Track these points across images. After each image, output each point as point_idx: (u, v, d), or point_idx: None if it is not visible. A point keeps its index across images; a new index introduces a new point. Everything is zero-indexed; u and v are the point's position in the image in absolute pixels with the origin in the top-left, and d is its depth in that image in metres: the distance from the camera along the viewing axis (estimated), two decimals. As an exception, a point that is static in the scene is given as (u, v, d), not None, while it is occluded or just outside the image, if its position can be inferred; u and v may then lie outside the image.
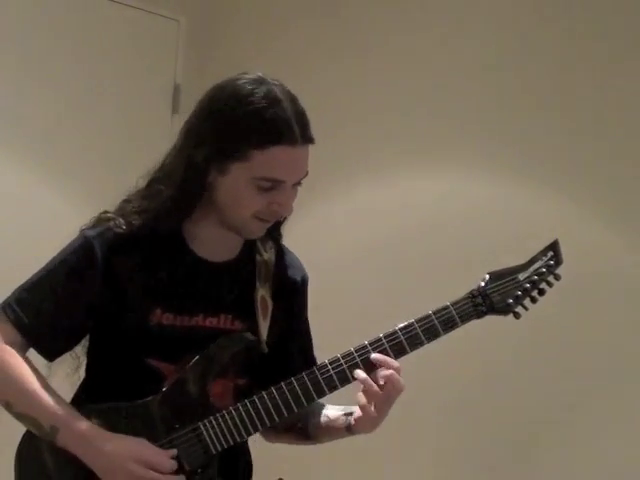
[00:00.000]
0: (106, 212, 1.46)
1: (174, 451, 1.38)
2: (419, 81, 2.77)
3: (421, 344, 1.42)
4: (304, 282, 1.60)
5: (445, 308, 1.43)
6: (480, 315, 1.44)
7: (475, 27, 2.67)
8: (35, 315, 1.41)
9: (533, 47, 2.55)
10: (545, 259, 1.47)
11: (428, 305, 2.70)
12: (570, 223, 2.45)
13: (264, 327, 1.49)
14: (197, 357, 1.41)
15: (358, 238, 2.85)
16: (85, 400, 1.47)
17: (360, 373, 1.38)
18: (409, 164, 2.80)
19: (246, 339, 1.45)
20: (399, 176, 2.81)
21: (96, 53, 2.93)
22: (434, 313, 1.42)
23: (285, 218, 1.50)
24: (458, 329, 1.44)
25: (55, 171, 2.80)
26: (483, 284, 1.45)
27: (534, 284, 1.45)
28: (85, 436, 1.36)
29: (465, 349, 2.61)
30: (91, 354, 1.50)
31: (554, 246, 1.49)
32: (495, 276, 1.46)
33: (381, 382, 1.37)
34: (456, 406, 2.64)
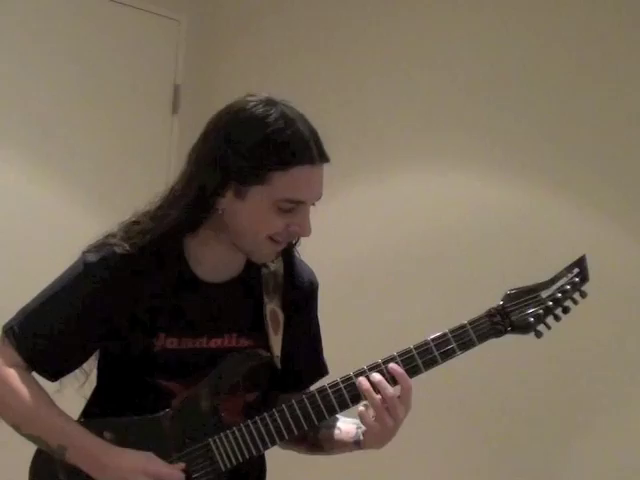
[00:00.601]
0: (110, 235, 1.44)
1: (182, 465, 1.37)
2: (422, 83, 2.77)
3: (436, 364, 1.37)
4: (314, 288, 1.58)
5: (462, 327, 1.38)
6: (498, 334, 1.38)
7: (477, 27, 2.67)
8: (37, 341, 1.41)
9: (538, 51, 2.55)
10: (570, 276, 1.41)
11: (431, 309, 2.71)
12: (576, 226, 2.45)
13: (276, 342, 1.47)
14: (209, 374, 1.41)
15: (360, 242, 2.85)
16: (96, 414, 1.47)
17: (363, 382, 1.35)
18: (412, 167, 2.80)
19: (259, 356, 1.43)
20: (403, 179, 2.81)
21: (96, 53, 2.92)
22: (451, 332, 1.37)
23: (299, 239, 1.49)
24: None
25: (55, 171, 2.80)
26: (502, 302, 1.39)
27: (557, 302, 1.39)
28: (92, 453, 1.37)
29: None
30: (101, 370, 1.50)
31: (580, 262, 1.42)
32: (515, 294, 1.40)
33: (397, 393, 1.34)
34: (456, 406, 2.64)
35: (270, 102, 1.38)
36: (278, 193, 1.33)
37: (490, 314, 1.38)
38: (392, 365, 1.35)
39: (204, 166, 1.37)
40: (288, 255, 1.54)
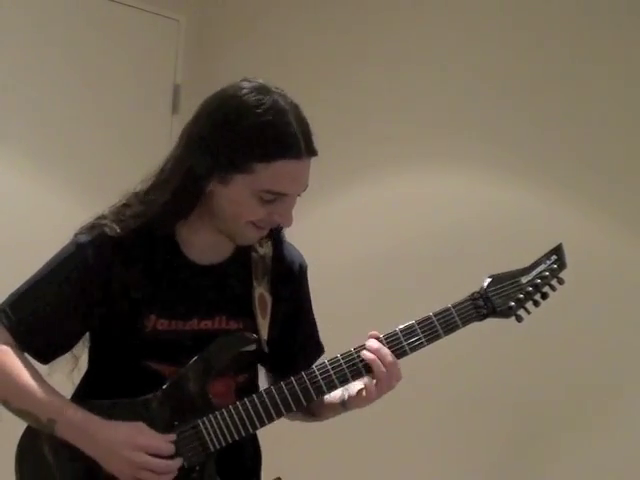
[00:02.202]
0: (102, 217, 1.45)
1: (173, 436, 1.38)
2: (422, 83, 2.77)
3: (421, 346, 1.42)
4: (302, 270, 1.58)
5: (446, 310, 1.42)
6: (481, 318, 1.43)
7: (477, 26, 2.67)
8: (28, 322, 1.43)
9: (538, 49, 2.54)
10: (549, 262, 1.46)
11: (427, 309, 2.69)
12: (575, 226, 2.45)
13: (264, 325, 1.48)
14: (197, 356, 1.42)
15: (356, 243, 2.85)
16: (86, 396, 1.48)
17: (367, 354, 1.39)
18: (411, 168, 2.80)
19: (247, 338, 1.45)
20: (398, 180, 2.81)
21: (96, 53, 2.93)
22: (435, 315, 1.42)
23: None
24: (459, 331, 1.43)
25: (55, 170, 2.80)
26: (484, 286, 1.44)
27: (537, 287, 1.45)
28: (82, 425, 1.37)
29: (465, 348, 2.61)
30: (92, 353, 1.51)
31: (558, 250, 1.48)
32: (496, 279, 1.45)
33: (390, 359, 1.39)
34: (455, 405, 2.64)
35: (263, 90, 1.36)
36: (260, 184, 1.34)
37: (473, 298, 1.43)
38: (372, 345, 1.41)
39: (193, 149, 1.38)
40: (276, 239, 1.54)
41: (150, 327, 1.42)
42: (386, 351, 1.40)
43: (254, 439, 1.57)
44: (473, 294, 1.44)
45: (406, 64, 2.79)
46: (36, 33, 2.77)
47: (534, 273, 1.45)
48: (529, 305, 1.45)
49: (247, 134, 1.33)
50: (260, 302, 1.49)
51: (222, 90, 1.40)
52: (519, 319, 1.45)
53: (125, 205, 1.45)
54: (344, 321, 2.66)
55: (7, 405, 1.41)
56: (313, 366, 1.42)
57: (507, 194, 2.58)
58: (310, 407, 1.51)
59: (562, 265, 1.47)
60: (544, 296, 1.46)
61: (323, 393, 1.42)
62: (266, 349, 1.48)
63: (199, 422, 1.40)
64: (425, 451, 2.71)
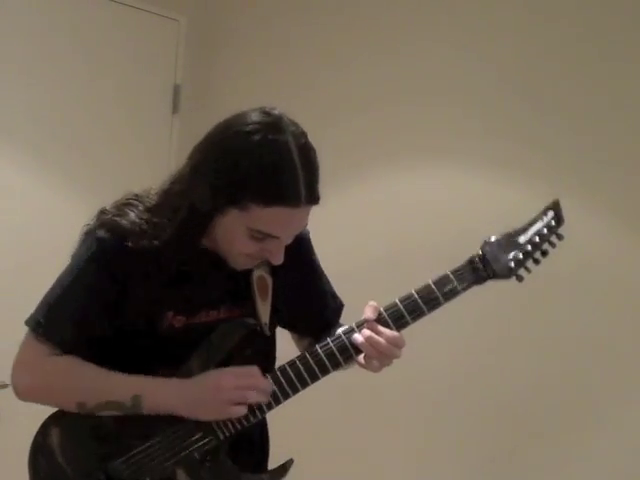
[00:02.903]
0: (107, 212, 1.45)
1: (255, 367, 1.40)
2: (422, 81, 2.77)
3: (422, 314, 1.40)
4: (303, 240, 1.55)
5: (445, 277, 1.41)
6: (481, 280, 1.41)
7: (480, 25, 2.67)
8: (66, 327, 1.42)
9: (539, 46, 2.54)
10: (546, 219, 1.45)
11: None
12: (576, 227, 2.44)
13: (264, 308, 1.49)
14: (199, 348, 1.42)
15: (355, 243, 2.84)
16: None
17: (357, 337, 1.39)
18: (407, 167, 2.80)
19: (246, 324, 1.44)
20: (397, 180, 2.81)
21: (96, 53, 2.92)
22: (434, 283, 1.40)
23: None
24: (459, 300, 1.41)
25: (55, 170, 2.80)
26: (482, 250, 1.42)
27: (536, 246, 1.43)
28: (171, 390, 1.38)
29: (465, 347, 2.61)
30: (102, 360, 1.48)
31: (555, 206, 1.46)
32: (494, 242, 1.43)
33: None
34: (454, 405, 2.64)
35: (274, 128, 1.31)
36: (253, 223, 1.32)
37: (471, 261, 1.41)
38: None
39: (196, 179, 1.35)
40: None
41: (167, 325, 1.43)
42: (377, 339, 1.39)
43: (263, 426, 1.58)
44: (471, 258, 1.42)
45: (407, 63, 2.78)
46: (36, 33, 2.76)
47: (532, 232, 1.44)
48: (530, 264, 1.43)
49: (247, 173, 1.28)
50: (259, 284, 1.49)
51: (230, 119, 1.36)
52: (520, 279, 1.43)
53: (129, 204, 1.44)
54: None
55: (83, 408, 1.40)
56: (316, 346, 1.42)
57: (510, 193, 2.58)
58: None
59: (560, 221, 1.45)
60: (544, 253, 1.44)
61: (328, 371, 1.41)
62: (267, 332, 1.48)
63: None
64: (420, 446, 2.71)
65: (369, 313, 1.41)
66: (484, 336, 2.57)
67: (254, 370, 1.39)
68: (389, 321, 1.40)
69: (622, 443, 2.36)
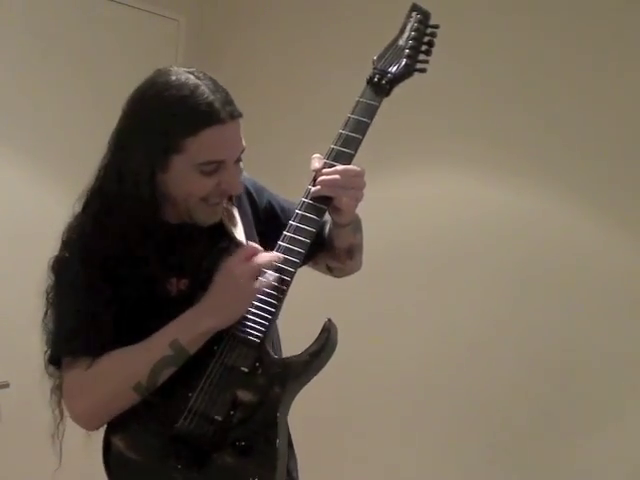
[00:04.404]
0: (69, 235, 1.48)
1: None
2: (423, 81, 2.76)
3: (359, 140, 1.50)
4: (255, 189, 1.65)
5: (356, 104, 1.51)
6: (388, 90, 1.52)
7: (470, 27, 2.67)
8: (82, 337, 1.41)
9: (529, 48, 2.54)
10: (412, 19, 1.55)
11: (426, 311, 2.69)
12: (579, 227, 2.45)
13: (238, 232, 1.53)
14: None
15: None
16: None
17: (315, 189, 1.45)
18: (408, 167, 2.80)
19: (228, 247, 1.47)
20: (397, 180, 2.81)
21: (96, 53, 2.92)
22: (351, 114, 1.50)
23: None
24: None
25: (55, 171, 2.80)
26: (373, 66, 1.52)
27: (418, 40, 1.53)
28: (193, 312, 1.40)
29: (466, 348, 2.61)
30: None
31: (414, 7, 1.56)
32: (379, 56, 1.54)
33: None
34: (455, 405, 2.64)
35: (171, 72, 1.41)
36: (196, 158, 1.37)
37: (370, 80, 1.52)
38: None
39: (123, 153, 1.44)
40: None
41: (175, 291, 1.45)
42: (332, 177, 1.45)
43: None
44: (367, 78, 1.52)
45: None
46: (35, 33, 2.76)
47: (407, 32, 1.54)
48: (422, 56, 1.53)
49: (167, 115, 1.37)
50: (227, 215, 1.53)
51: (135, 89, 1.49)
52: (422, 70, 1.53)
53: (68, 228, 1.49)
54: (342, 324, 2.66)
55: (141, 387, 1.38)
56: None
57: (510, 195, 2.58)
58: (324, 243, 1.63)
59: (424, 13, 1.55)
60: (430, 44, 1.54)
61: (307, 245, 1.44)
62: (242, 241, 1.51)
63: (231, 329, 1.40)
64: (426, 451, 2.71)
65: (315, 164, 1.47)
66: (481, 336, 2.58)
67: (248, 246, 1.44)
68: (335, 163, 1.48)
69: (621, 443, 2.36)
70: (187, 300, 1.43)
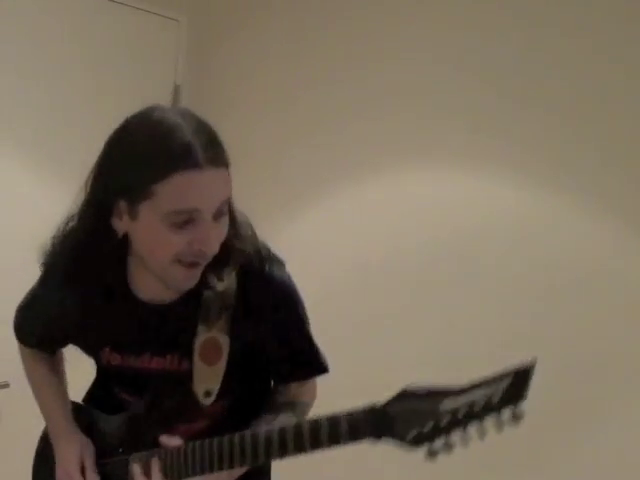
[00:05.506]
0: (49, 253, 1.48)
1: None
2: (425, 79, 2.77)
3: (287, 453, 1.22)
4: (277, 306, 1.39)
5: (333, 418, 1.16)
6: (372, 438, 1.12)
7: (481, 23, 2.67)
8: (30, 338, 1.65)
9: (525, 42, 2.53)
10: (495, 386, 1.00)
11: (426, 312, 2.67)
12: (580, 229, 2.45)
13: (209, 373, 1.36)
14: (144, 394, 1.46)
15: (353, 245, 2.83)
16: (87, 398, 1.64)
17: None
18: (407, 167, 2.80)
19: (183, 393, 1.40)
20: (397, 180, 2.81)
21: (96, 53, 2.92)
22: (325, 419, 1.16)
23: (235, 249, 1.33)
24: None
25: (54, 171, 2.80)
26: (387, 400, 1.11)
27: (457, 423, 1.00)
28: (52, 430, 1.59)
29: (466, 349, 2.61)
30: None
31: (520, 373, 1.00)
32: (408, 394, 1.09)
33: None
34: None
35: (153, 109, 1.25)
36: (164, 206, 1.20)
37: (371, 410, 1.14)
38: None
39: (96, 187, 1.32)
40: (243, 269, 1.37)
41: (105, 360, 1.46)
42: None
43: None
44: (372, 406, 1.15)
45: (411, 61, 2.78)
46: (35, 33, 2.77)
47: (465, 400, 0.98)
48: (438, 444, 1.03)
49: (135, 157, 1.22)
50: (208, 348, 1.36)
51: (119, 124, 1.31)
52: (432, 456, 1.04)
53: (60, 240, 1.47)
54: (340, 328, 2.66)
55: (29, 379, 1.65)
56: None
57: (510, 195, 2.57)
58: None
59: (519, 395, 0.98)
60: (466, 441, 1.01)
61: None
62: (205, 401, 1.37)
63: (129, 458, 1.42)
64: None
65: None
66: (485, 336, 2.57)
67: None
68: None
69: (622, 443, 2.36)
70: (115, 373, 1.48)
